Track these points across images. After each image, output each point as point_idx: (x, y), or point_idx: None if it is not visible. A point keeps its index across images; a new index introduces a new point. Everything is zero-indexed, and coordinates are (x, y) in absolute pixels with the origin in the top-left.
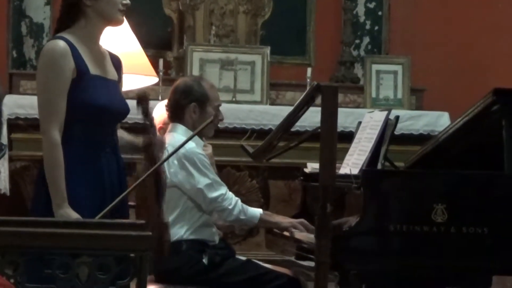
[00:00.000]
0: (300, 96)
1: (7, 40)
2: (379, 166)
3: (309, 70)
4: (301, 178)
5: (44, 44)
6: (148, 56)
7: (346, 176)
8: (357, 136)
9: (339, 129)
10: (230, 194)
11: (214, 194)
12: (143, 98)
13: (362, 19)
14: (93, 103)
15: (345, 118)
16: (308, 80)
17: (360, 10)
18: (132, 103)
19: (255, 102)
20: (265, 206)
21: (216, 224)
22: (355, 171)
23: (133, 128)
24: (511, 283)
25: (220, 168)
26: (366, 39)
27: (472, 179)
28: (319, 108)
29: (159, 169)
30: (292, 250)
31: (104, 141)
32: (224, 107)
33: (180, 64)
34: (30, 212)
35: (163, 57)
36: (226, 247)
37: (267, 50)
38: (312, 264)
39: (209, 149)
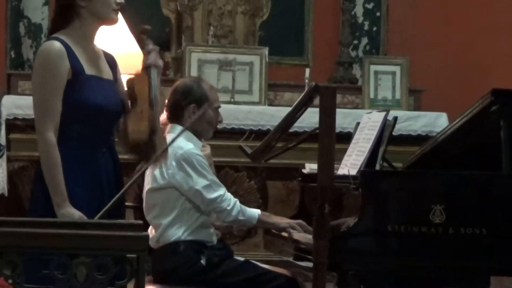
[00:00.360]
0: (298, 97)
1: (5, 41)
2: (377, 167)
3: (307, 70)
4: (299, 178)
5: None
6: None
7: (344, 177)
8: (355, 136)
9: (337, 129)
10: (229, 195)
11: (213, 195)
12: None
13: (360, 19)
14: (89, 103)
15: (343, 118)
16: (306, 80)
17: (359, 10)
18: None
19: (253, 103)
20: (263, 206)
21: (214, 224)
22: (353, 171)
23: None
24: (509, 283)
25: (219, 169)
26: (364, 40)
27: (471, 179)
28: (317, 109)
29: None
30: (290, 250)
31: (101, 141)
32: (222, 108)
33: (178, 65)
34: (28, 212)
35: (161, 57)
36: (224, 247)
37: (265, 50)
38: (310, 264)
39: (208, 150)
